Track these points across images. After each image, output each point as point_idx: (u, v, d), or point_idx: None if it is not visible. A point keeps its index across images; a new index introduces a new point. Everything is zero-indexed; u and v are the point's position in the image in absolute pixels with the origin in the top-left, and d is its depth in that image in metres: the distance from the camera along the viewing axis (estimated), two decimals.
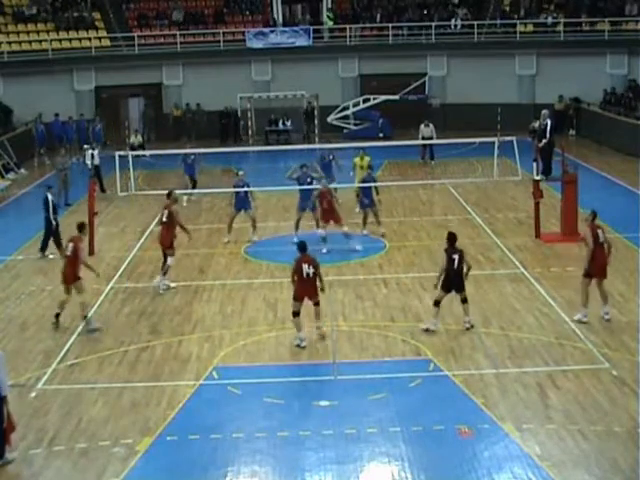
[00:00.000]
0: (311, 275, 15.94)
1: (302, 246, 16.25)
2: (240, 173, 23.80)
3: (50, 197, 22.68)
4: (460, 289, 16.81)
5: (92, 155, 30.06)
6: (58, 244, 22.63)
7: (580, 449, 12.18)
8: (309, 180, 23.24)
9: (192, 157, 27.94)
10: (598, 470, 11.65)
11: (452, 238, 16.73)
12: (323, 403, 13.88)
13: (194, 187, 27.98)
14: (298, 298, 16.05)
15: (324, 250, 21.42)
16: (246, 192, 23.25)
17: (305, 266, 15.92)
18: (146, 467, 12.13)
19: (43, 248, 22.63)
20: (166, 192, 20.62)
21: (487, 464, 11.91)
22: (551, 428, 12.77)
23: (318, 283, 16.12)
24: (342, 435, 12.78)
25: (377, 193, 24.14)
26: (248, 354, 16.05)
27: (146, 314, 18.23)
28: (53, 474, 12.04)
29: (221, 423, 13.30)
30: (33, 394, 14.44)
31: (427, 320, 16.89)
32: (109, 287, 20.06)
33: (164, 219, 19.76)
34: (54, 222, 22.55)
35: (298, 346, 15.99)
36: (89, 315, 17.48)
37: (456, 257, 16.66)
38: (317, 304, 16.20)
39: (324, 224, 21.97)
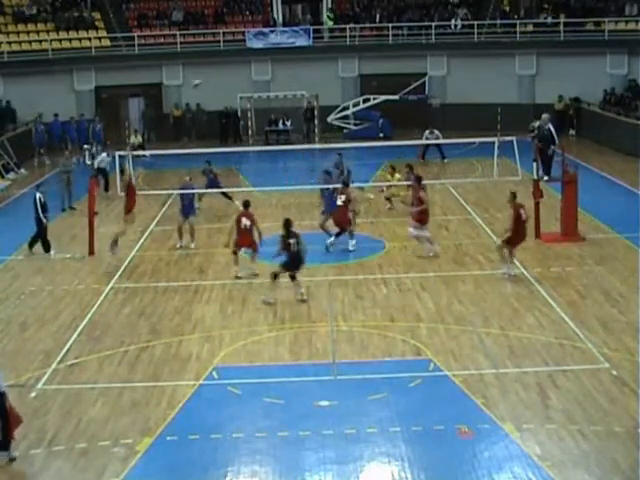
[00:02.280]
0: (248, 227, 19.81)
1: (246, 203, 20.26)
2: (186, 178, 24.22)
3: (39, 196, 22.58)
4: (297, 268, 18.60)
5: (94, 155, 30.06)
6: (45, 244, 22.59)
7: (580, 449, 12.18)
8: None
9: (211, 173, 27.09)
10: (598, 470, 11.65)
11: (287, 224, 18.48)
12: (323, 403, 13.87)
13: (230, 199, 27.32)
14: (237, 246, 20.12)
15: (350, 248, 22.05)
16: (191, 199, 23.75)
17: (244, 219, 19.92)
18: (146, 467, 12.12)
19: (31, 245, 22.61)
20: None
21: (487, 464, 11.91)
22: (551, 428, 12.77)
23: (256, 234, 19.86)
24: (342, 435, 12.78)
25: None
26: (248, 354, 16.06)
27: (146, 314, 18.23)
28: (53, 474, 12.04)
29: (221, 423, 13.30)
30: (33, 394, 14.44)
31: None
32: (109, 287, 20.05)
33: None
34: (45, 220, 22.49)
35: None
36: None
37: (292, 241, 18.33)
38: (255, 250, 20.13)
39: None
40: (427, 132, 33.90)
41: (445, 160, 34.06)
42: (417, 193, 21.71)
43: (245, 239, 20.20)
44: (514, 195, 19.80)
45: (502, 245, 19.69)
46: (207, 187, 26.58)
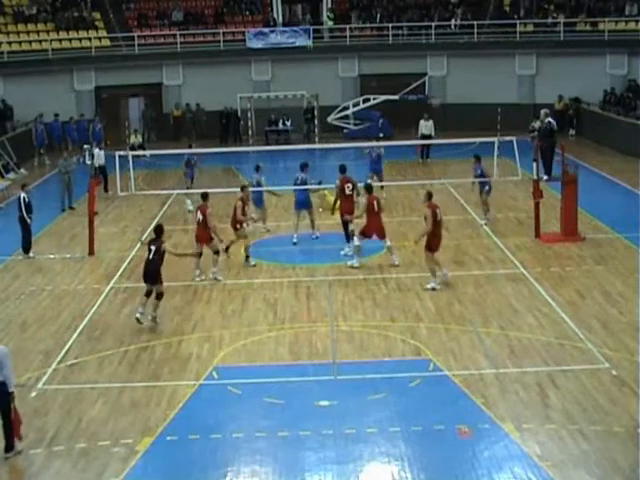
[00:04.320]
0: (201, 221, 19.71)
1: (204, 195, 20.48)
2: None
3: (23, 196, 22.50)
4: (154, 281, 17.51)
5: (93, 155, 30.02)
6: (29, 244, 22.57)
7: (580, 449, 12.18)
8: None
9: (194, 160, 27.69)
10: (598, 470, 11.66)
11: (158, 231, 17.78)
12: (323, 403, 13.88)
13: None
14: (197, 243, 20.12)
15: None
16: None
17: (198, 212, 20.03)
18: (146, 467, 12.13)
19: (26, 249, 22.52)
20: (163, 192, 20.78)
21: (487, 464, 11.91)
22: (551, 428, 12.77)
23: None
24: (342, 435, 12.78)
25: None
26: (248, 354, 16.06)
27: (146, 314, 18.21)
28: (53, 474, 12.04)
29: (221, 423, 13.30)
30: (33, 394, 14.46)
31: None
32: (109, 287, 20.06)
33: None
34: (29, 221, 22.40)
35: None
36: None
37: (153, 248, 17.47)
38: (217, 253, 20.12)
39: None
40: (422, 120, 34.50)
41: (428, 160, 34.54)
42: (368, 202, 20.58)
43: (201, 235, 20.12)
44: (430, 194, 19.30)
45: (428, 255, 19.06)
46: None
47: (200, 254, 20.07)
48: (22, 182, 23.98)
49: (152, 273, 17.50)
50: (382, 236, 20.70)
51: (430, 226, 18.77)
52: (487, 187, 24.33)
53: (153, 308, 17.44)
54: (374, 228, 20.54)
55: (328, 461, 12.13)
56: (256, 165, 24.56)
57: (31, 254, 22.46)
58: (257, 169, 24.29)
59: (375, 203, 20.47)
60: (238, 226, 21.23)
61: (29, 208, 22.45)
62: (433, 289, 18.93)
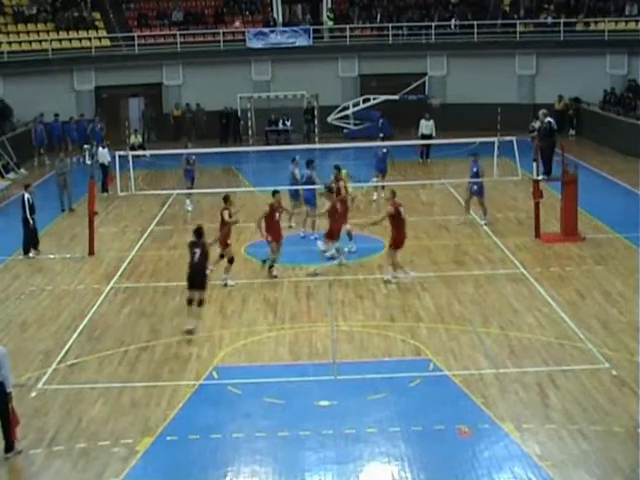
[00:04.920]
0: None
1: (224, 198, 19.97)
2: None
3: (27, 196, 22.52)
4: (202, 286, 17.02)
5: (93, 155, 30.04)
6: (35, 244, 22.58)
7: (580, 449, 12.18)
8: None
9: (193, 159, 27.65)
10: (598, 470, 11.66)
11: (199, 232, 17.14)
12: (323, 403, 13.88)
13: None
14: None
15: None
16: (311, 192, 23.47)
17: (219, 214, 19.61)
18: (146, 467, 12.13)
19: (26, 250, 22.54)
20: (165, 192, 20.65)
21: (487, 464, 11.91)
22: (551, 428, 12.77)
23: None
24: (342, 435, 12.78)
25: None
26: (248, 354, 16.06)
27: (146, 314, 18.23)
28: (53, 474, 12.04)
29: (221, 423, 13.30)
30: (33, 394, 14.45)
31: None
32: (109, 287, 20.06)
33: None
34: (31, 221, 22.42)
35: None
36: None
37: (197, 250, 16.90)
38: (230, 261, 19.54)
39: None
40: (422, 120, 34.81)
41: (429, 160, 34.61)
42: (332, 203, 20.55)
43: (220, 237, 19.70)
44: (394, 193, 19.79)
45: (392, 254, 19.35)
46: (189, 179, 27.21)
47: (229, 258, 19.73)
48: (25, 183, 23.95)
49: (200, 276, 16.96)
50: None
51: (381, 220, 19.37)
52: (475, 187, 24.26)
53: (197, 314, 17.11)
54: (338, 230, 20.66)
55: (328, 461, 12.13)
56: (307, 160, 24.08)
57: (31, 254, 22.45)
58: (308, 164, 23.73)
59: (339, 205, 20.61)
60: (268, 237, 19.91)
61: (32, 209, 22.47)
62: (389, 281, 19.34)
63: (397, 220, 19.30)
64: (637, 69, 39.62)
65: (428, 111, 37.08)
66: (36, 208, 22.77)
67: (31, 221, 22.41)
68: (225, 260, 19.78)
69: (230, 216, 19.74)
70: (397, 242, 19.30)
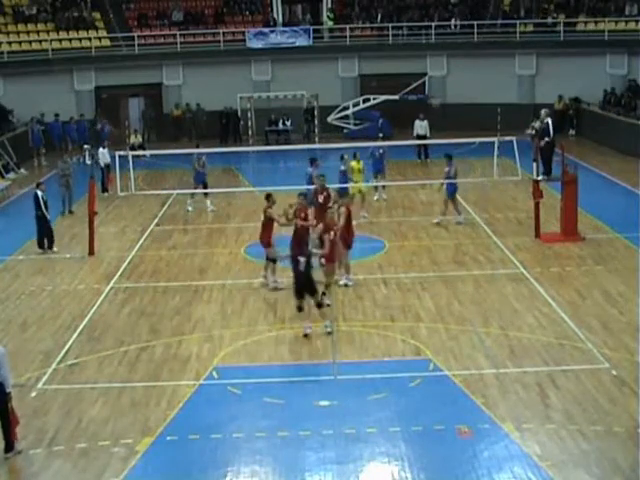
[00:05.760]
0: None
1: (267, 196, 19.52)
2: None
3: (41, 194, 22.62)
4: (310, 294, 16.61)
5: (93, 155, 30.02)
6: (51, 240, 22.67)
7: (580, 449, 12.18)
8: None
9: (203, 160, 27.31)
10: (598, 470, 11.66)
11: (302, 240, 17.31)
12: (323, 403, 13.88)
13: (206, 194, 27.20)
14: None
15: None
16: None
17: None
18: (146, 467, 12.13)
19: (41, 244, 22.66)
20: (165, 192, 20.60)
21: (487, 464, 11.91)
22: (551, 428, 12.77)
23: None
24: (342, 435, 12.78)
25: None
26: (248, 354, 16.06)
27: (146, 314, 18.23)
28: (53, 474, 12.04)
29: (221, 423, 13.30)
30: (33, 394, 14.45)
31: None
32: (109, 287, 20.05)
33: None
34: (49, 217, 22.56)
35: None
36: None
37: (303, 260, 16.45)
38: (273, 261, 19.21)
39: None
40: (417, 120, 34.95)
41: (428, 160, 34.65)
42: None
43: (260, 237, 19.62)
44: (352, 196, 20.45)
45: (346, 256, 19.48)
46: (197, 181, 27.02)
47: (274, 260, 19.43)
48: (37, 182, 24.11)
49: (309, 286, 16.52)
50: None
51: (344, 223, 19.14)
52: (452, 188, 24.33)
53: (323, 314, 16.74)
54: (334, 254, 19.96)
55: (328, 461, 12.13)
56: (310, 158, 24.32)
57: (55, 248, 22.66)
58: (312, 162, 23.86)
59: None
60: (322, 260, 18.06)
61: (45, 205, 22.66)
62: (346, 285, 19.24)
63: (349, 221, 19.43)
64: (637, 69, 39.58)
65: (427, 111, 37.08)
66: (49, 206, 22.92)
67: (48, 216, 22.55)
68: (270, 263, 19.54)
69: (287, 216, 18.94)
70: (348, 242, 19.40)
